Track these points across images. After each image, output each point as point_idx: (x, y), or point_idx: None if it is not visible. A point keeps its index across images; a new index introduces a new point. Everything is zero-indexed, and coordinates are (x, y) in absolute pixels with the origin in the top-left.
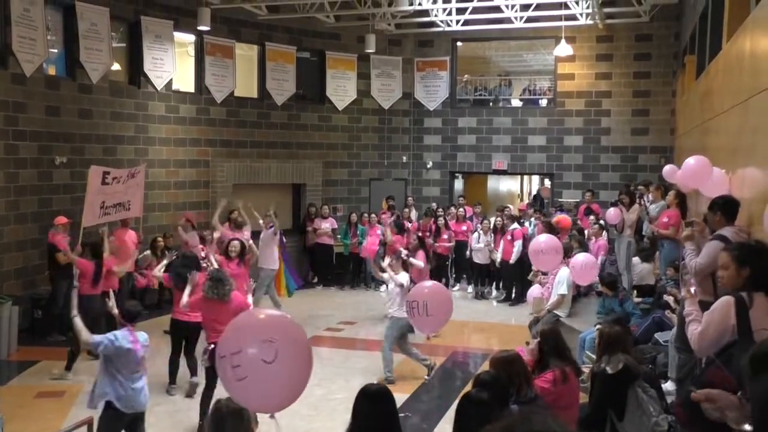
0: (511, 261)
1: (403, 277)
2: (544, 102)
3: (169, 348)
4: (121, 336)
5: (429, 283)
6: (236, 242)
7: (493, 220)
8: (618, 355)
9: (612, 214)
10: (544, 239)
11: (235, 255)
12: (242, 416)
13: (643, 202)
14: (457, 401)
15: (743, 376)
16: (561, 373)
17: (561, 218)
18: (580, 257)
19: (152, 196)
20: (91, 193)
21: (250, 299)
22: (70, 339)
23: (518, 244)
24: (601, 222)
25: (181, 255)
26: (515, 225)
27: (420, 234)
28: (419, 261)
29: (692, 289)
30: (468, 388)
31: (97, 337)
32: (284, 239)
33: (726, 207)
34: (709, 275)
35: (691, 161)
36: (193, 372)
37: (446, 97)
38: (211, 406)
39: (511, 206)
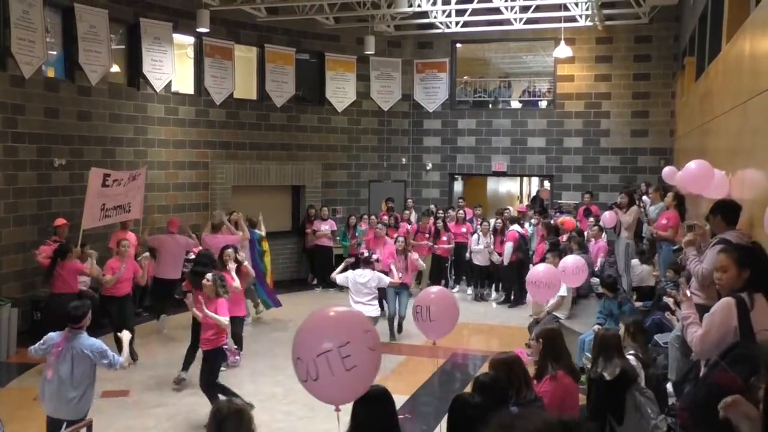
0: (505, 262)
1: (357, 274)
2: (543, 104)
3: (164, 351)
4: (49, 339)
5: (435, 289)
6: (230, 251)
7: (492, 222)
8: (614, 360)
9: (607, 217)
10: (542, 269)
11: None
12: (243, 416)
13: (641, 203)
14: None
15: (762, 366)
16: (551, 377)
17: (565, 220)
18: (569, 259)
19: (151, 198)
20: (91, 195)
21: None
22: None
23: (509, 246)
24: (601, 224)
25: (196, 254)
26: (515, 226)
27: (404, 237)
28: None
29: (688, 292)
30: (468, 389)
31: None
32: (256, 247)
33: (726, 210)
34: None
35: (692, 165)
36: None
37: (446, 99)
38: (210, 409)
39: (510, 208)
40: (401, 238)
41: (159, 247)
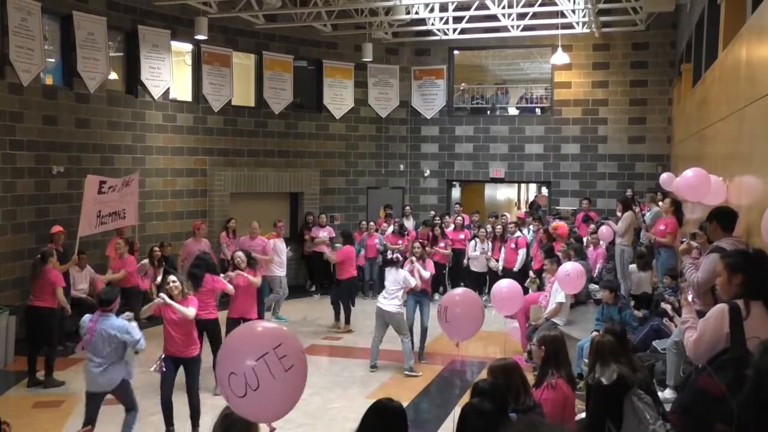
0: (515, 268)
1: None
2: (541, 110)
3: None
4: (83, 323)
5: (460, 290)
6: (240, 253)
7: (489, 227)
8: (611, 365)
9: (604, 232)
10: (506, 285)
11: (244, 267)
12: (251, 423)
13: (638, 212)
14: (456, 409)
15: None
16: (550, 386)
17: (558, 225)
18: (567, 266)
19: (149, 205)
20: (87, 202)
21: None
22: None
23: (522, 252)
24: (599, 238)
25: (195, 257)
26: (518, 233)
27: (421, 242)
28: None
29: (690, 297)
30: (466, 396)
31: None
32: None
33: (722, 217)
34: (710, 288)
35: (689, 174)
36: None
37: (443, 106)
38: (219, 414)
39: (507, 214)
40: (417, 244)
41: (184, 254)
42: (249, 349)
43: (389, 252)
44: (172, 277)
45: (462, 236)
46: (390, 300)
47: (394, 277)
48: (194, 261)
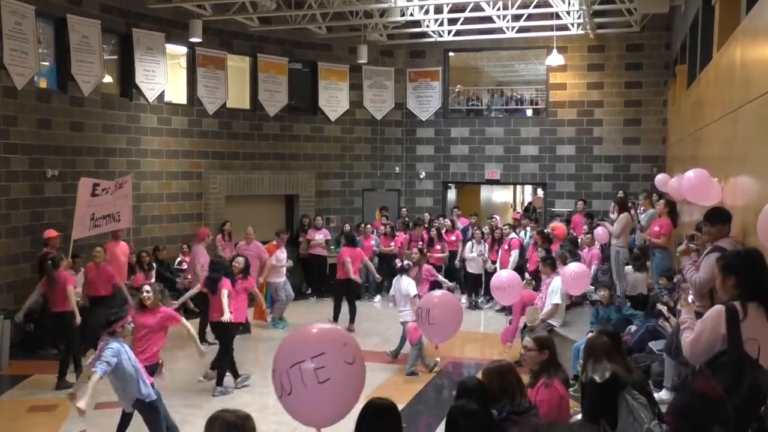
0: (510, 268)
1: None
2: (534, 112)
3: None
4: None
5: (438, 293)
6: (241, 258)
7: (486, 229)
8: (603, 363)
9: (600, 233)
10: (505, 275)
11: (238, 272)
12: (245, 427)
13: (634, 213)
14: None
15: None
16: (546, 385)
17: (556, 226)
18: (571, 266)
19: (144, 209)
20: (81, 205)
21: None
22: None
23: (515, 254)
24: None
25: (210, 261)
26: (513, 234)
27: (419, 248)
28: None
29: (689, 298)
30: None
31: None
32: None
33: (718, 218)
34: (709, 289)
35: (690, 174)
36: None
37: (438, 108)
38: (207, 419)
39: (497, 217)
40: (416, 249)
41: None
42: (289, 352)
43: (397, 260)
44: (146, 287)
45: (453, 238)
46: (402, 311)
47: (397, 286)
48: (212, 266)
